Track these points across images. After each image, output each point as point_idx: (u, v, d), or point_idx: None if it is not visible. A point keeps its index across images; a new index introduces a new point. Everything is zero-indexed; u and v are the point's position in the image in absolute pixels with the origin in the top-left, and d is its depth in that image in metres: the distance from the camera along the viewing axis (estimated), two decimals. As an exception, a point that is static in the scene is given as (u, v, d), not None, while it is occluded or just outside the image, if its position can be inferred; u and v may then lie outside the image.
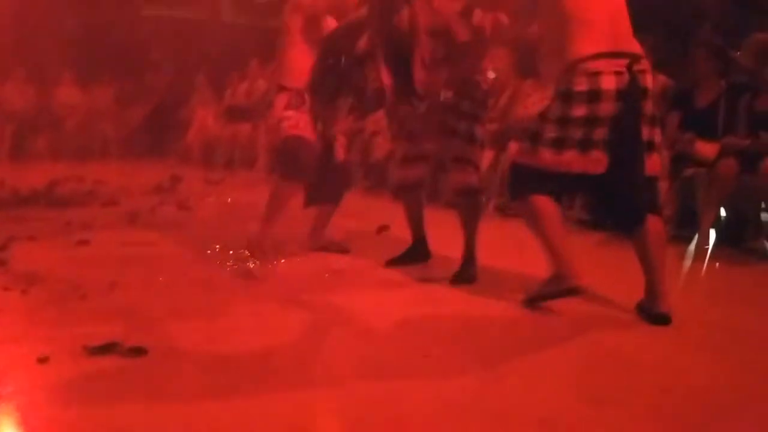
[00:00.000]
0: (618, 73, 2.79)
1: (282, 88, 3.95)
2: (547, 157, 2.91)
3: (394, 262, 3.89)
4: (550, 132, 2.89)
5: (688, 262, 4.24)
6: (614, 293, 3.26)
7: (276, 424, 2.09)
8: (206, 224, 5.17)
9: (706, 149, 4.47)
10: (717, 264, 4.21)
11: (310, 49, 3.92)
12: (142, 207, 5.53)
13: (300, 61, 3.92)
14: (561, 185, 3.03)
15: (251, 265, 3.88)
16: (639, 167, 2.86)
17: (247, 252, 4.03)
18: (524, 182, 3.04)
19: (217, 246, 4.26)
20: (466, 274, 3.57)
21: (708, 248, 4.48)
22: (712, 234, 4.62)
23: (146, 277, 3.60)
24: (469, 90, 3.55)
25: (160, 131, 9.72)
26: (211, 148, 9.03)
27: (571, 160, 2.89)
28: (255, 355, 2.61)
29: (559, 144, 2.89)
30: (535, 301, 3.08)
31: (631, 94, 2.80)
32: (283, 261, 4.00)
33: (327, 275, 3.73)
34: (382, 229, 4.81)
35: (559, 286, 2.99)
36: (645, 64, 2.86)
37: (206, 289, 3.48)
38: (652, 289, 2.98)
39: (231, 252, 4.10)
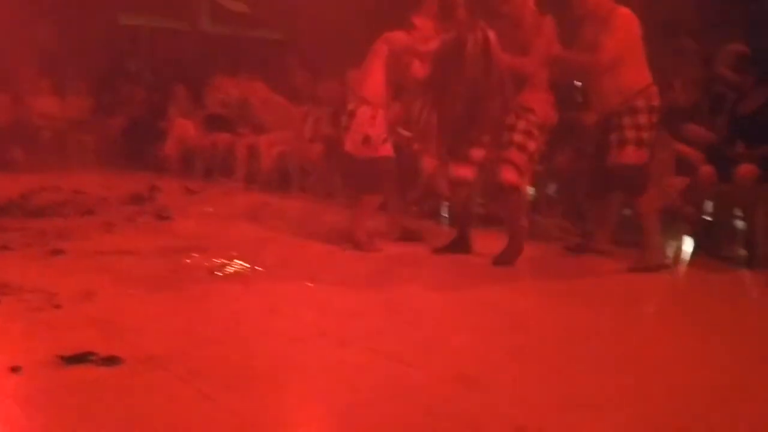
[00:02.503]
0: None
1: (364, 101, 4.40)
2: None
3: (439, 250, 4.48)
4: None
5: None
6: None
7: (254, 432, 2.07)
8: (185, 234, 5.12)
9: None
10: (694, 270, 4.25)
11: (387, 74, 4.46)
12: (120, 217, 5.47)
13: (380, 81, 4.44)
14: None
15: (231, 271, 3.88)
16: None
17: (225, 261, 4.04)
18: None
19: (196, 255, 4.24)
20: (507, 257, 4.18)
21: (685, 256, 4.53)
22: (690, 241, 4.67)
23: (123, 287, 3.55)
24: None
25: (139, 141, 9.63)
26: (190, 157, 8.97)
27: None
28: (233, 364, 2.58)
29: None
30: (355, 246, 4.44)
31: None
32: (260, 269, 3.99)
33: (310, 285, 3.72)
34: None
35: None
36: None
37: (184, 297, 3.45)
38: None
39: (210, 261, 4.08)
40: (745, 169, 4.15)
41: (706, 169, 4.32)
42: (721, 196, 4.52)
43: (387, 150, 4.46)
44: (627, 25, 4.06)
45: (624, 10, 4.07)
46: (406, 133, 6.32)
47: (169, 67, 10.53)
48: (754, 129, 4.29)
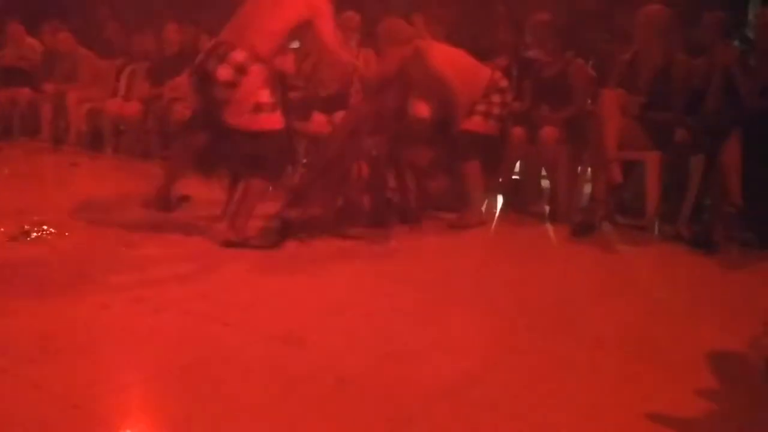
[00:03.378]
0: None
1: (259, 58, 3.44)
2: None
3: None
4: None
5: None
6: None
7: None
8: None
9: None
10: (503, 226, 4.53)
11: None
12: None
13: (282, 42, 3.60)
14: None
15: (32, 238, 3.58)
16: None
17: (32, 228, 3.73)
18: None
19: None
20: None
21: (495, 212, 4.82)
22: (500, 199, 4.97)
23: None
24: None
25: None
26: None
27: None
28: (36, 335, 2.40)
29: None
30: (235, 245, 3.54)
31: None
32: (67, 234, 3.70)
33: (125, 248, 3.52)
34: (183, 199, 4.61)
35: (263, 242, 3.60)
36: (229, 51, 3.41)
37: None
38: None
39: (2, 229, 3.72)
40: (547, 132, 4.46)
41: (517, 132, 4.58)
42: (528, 157, 4.85)
43: (279, 121, 3.54)
44: (441, 58, 4.23)
45: (422, 45, 4.24)
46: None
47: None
48: (554, 93, 4.62)
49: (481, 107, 4.31)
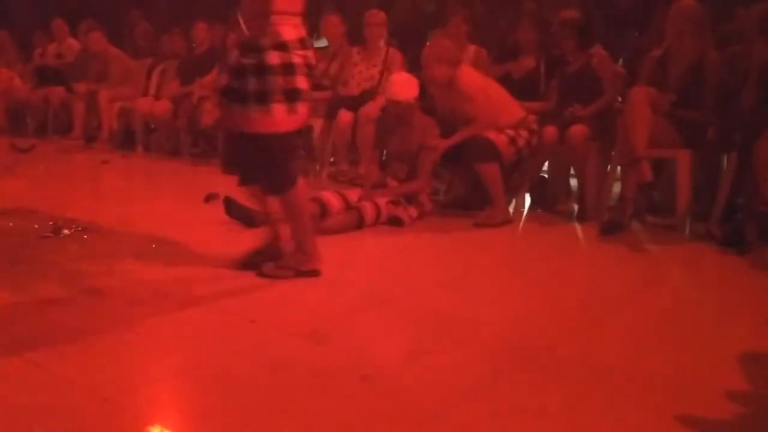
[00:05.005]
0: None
1: None
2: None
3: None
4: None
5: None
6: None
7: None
8: (12, 194, 4.72)
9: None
10: (531, 225, 4.50)
11: None
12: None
13: None
14: None
15: (65, 233, 3.63)
16: None
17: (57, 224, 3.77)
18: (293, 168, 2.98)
19: (24, 216, 3.93)
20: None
21: (523, 211, 4.78)
22: (527, 198, 4.93)
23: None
24: None
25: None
26: (20, 112, 8.25)
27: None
28: (66, 330, 2.44)
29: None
30: (272, 275, 3.06)
31: None
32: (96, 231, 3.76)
33: (154, 245, 3.56)
34: (211, 197, 4.65)
35: (300, 266, 3.07)
36: None
37: (9, 261, 3.21)
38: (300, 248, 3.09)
39: (36, 226, 3.79)
40: (576, 130, 4.40)
41: (550, 130, 4.52)
42: (556, 155, 4.80)
43: None
44: (471, 83, 4.37)
45: (460, 74, 4.36)
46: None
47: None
48: (581, 88, 4.56)
49: (510, 131, 4.39)
